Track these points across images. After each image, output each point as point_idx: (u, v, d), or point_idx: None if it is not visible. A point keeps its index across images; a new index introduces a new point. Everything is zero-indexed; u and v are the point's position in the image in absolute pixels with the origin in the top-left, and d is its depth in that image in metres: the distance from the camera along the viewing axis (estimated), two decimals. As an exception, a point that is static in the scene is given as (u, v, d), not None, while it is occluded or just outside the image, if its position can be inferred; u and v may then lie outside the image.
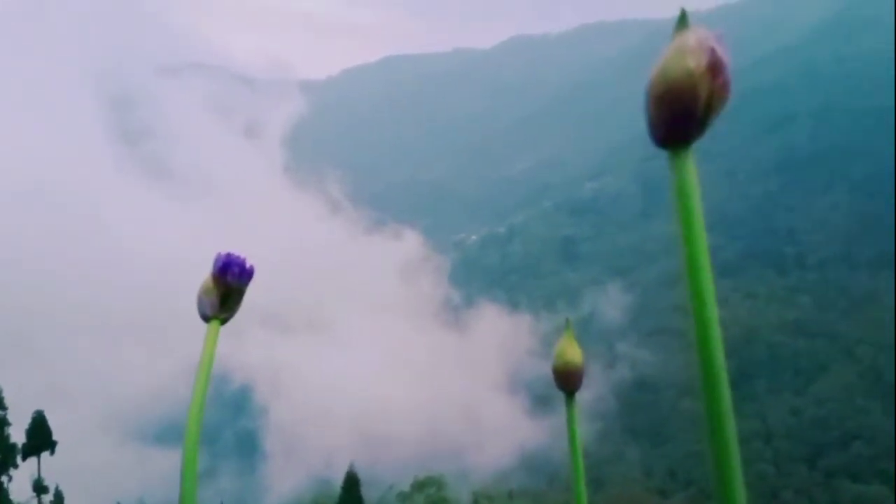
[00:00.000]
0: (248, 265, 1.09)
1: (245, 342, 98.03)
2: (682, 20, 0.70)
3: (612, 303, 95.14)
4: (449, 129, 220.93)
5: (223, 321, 1.08)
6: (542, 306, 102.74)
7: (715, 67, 0.67)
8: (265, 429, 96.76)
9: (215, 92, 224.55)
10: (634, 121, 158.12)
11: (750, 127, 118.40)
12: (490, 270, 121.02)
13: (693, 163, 0.68)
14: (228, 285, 1.07)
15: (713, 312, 0.62)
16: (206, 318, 1.08)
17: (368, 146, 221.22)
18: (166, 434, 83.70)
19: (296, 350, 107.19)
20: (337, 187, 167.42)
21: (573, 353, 1.16)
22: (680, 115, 0.67)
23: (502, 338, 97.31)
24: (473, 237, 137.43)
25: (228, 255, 1.09)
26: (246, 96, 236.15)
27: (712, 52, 0.67)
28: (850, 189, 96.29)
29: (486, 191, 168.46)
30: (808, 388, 73.91)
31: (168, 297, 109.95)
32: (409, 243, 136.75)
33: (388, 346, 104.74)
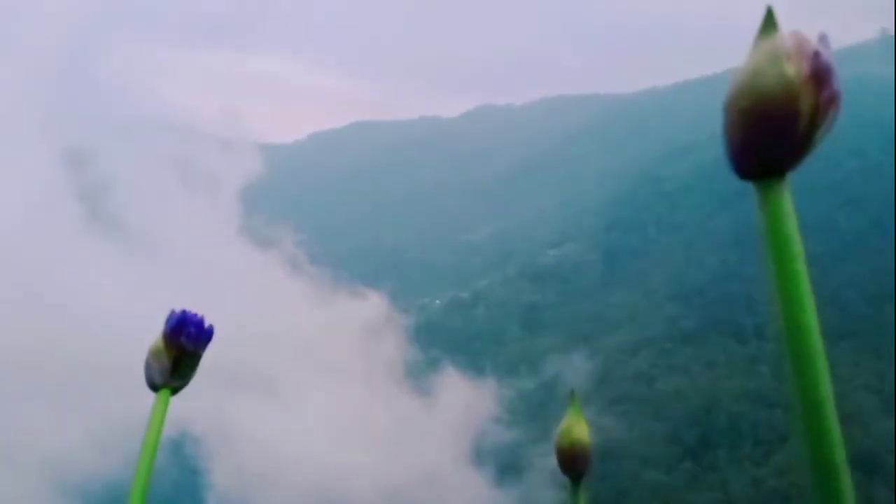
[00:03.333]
0: (206, 325, 0.93)
1: (197, 404, 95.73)
2: (770, 20, 0.50)
3: (575, 370, 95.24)
4: (413, 194, 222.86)
5: (174, 391, 0.92)
6: (505, 372, 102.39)
7: (820, 76, 0.50)
8: (219, 499, 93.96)
9: (177, 152, 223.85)
10: (595, 190, 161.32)
11: (707, 199, 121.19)
12: (454, 335, 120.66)
13: (790, 199, 0.50)
14: (182, 348, 0.92)
15: (825, 388, 0.47)
16: (154, 387, 0.91)
17: (332, 209, 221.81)
18: (118, 497, 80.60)
19: (251, 414, 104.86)
20: (299, 250, 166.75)
21: (580, 431, 0.99)
22: (775, 136, 0.52)
23: (466, 404, 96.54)
24: (437, 301, 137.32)
25: (183, 312, 0.93)
26: (209, 157, 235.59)
27: (816, 56, 0.50)
28: (806, 263, 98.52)
29: (449, 256, 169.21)
30: (769, 458, 74.13)
31: (122, 356, 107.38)
32: (371, 306, 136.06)
33: (348, 410, 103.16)
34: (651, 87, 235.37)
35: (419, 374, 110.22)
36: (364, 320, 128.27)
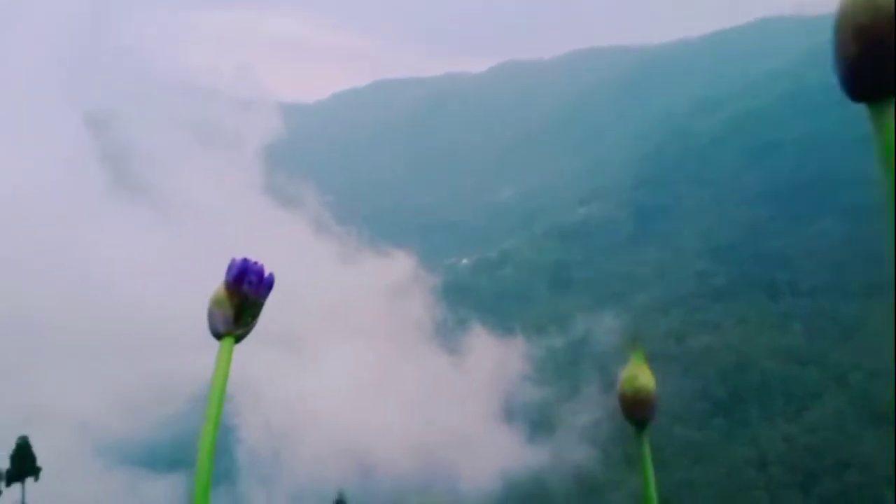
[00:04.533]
0: (267, 274, 0.95)
1: (231, 366, 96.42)
2: None
3: (604, 328, 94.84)
4: (438, 153, 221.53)
5: (238, 339, 0.94)
6: (534, 331, 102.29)
7: None
8: (250, 455, 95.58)
9: (198, 114, 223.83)
10: (623, 147, 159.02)
11: (738, 154, 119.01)
12: (481, 294, 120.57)
13: None
14: (244, 296, 0.93)
15: None
16: (217, 335, 0.92)
17: (357, 170, 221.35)
18: (156, 457, 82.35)
19: (280, 374, 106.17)
20: (325, 211, 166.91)
21: (645, 378, 1.01)
22: (893, 55, 0.50)
23: (494, 363, 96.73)
24: (464, 261, 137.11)
25: (245, 261, 0.94)
26: (230, 119, 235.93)
27: None
28: (839, 216, 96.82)
29: (476, 215, 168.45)
30: (801, 415, 73.69)
31: (150, 316, 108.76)
32: (398, 266, 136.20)
33: (376, 368, 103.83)
34: (682, 38, 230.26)
35: (448, 334, 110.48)
36: (391, 280, 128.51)
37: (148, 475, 79.99)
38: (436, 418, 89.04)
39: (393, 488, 77.00)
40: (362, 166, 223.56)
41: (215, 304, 0.93)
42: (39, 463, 43.40)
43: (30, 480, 42.94)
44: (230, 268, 0.93)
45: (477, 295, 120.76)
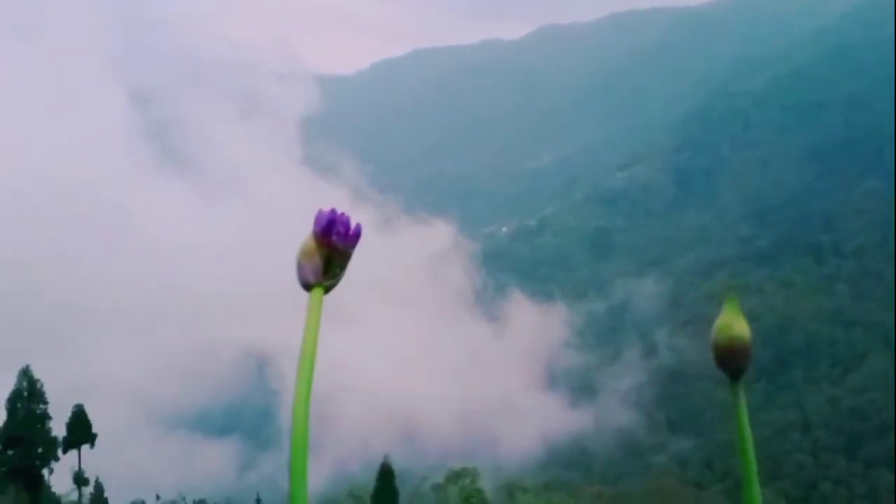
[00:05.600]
0: (354, 225, 0.95)
1: (268, 330, 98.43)
2: None
3: (645, 293, 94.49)
4: (477, 121, 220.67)
5: (327, 289, 0.94)
6: (574, 297, 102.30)
7: None
8: (290, 414, 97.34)
9: (241, 88, 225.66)
10: (665, 109, 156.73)
11: (783, 113, 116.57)
12: (521, 262, 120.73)
13: None
14: (333, 247, 0.94)
15: None
16: (307, 287, 0.93)
17: (397, 139, 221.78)
18: (208, 423, 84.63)
19: (323, 341, 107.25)
20: (365, 180, 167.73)
21: (740, 327, 1.00)
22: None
23: (534, 329, 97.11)
24: (504, 229, 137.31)
25: (332, 211, 0.94)
26: (272, 92, 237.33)
27: None
28: (885, 176, 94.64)
29: (515, 183, 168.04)
30: (846, 377, 72.96)
31: (197, 285, 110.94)
32: (438, 235, 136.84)
33: (419, 337, 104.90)
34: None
35: (488, 301, 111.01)
36: (431, 248, 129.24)
37: (201, 441, 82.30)
38: (478, 385, 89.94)
39: (437, 454, 78.16)
40: (401, 135, 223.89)
41: (304, 255, 0.93)
42: (95, 430, 44.75)
43: (85, 447, 44.34)
44: (318, 219, 0.93)
45: (517, 262, 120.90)
